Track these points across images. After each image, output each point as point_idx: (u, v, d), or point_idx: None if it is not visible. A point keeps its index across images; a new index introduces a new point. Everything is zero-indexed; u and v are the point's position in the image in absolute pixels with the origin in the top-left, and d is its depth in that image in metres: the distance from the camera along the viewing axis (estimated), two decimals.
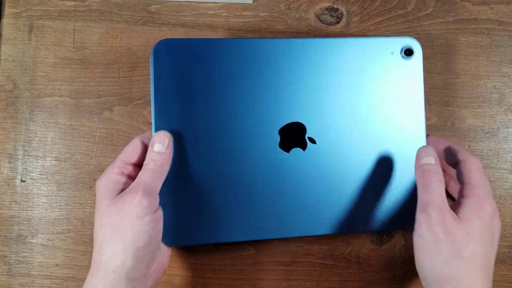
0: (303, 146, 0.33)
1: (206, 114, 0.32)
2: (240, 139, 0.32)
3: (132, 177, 0.30)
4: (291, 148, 0.33)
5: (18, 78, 0.38)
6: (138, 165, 0.31)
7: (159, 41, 0.31)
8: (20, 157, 0.38)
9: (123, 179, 0.30)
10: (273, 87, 0.33)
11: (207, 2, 0.39)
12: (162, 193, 0.30)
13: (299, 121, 0.33)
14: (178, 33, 0.38)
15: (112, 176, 0.30)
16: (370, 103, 0.34)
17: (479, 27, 0.39)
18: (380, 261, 0.38)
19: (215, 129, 0.32)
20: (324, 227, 0.33)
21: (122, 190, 0.29)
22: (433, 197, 0.28)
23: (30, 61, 0.38)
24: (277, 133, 0.33)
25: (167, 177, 0.30)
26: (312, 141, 0.33)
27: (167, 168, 0.30)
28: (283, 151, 0.33)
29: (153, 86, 0.31)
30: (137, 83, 0.38)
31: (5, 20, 0.39)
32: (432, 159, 0.29)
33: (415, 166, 0.30)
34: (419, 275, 0.29)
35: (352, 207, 0.33)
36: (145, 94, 0.38)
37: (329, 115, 0.33)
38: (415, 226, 0.28)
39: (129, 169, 0.31)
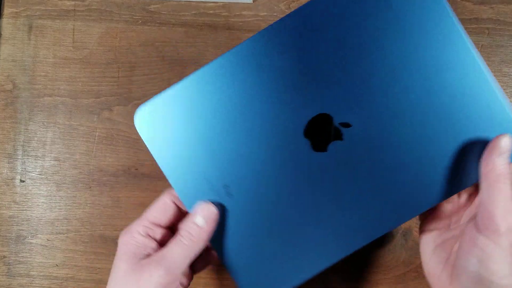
0: (339, 136, 0.28)
1: (220, 158, 0.28)
2: (269, 164, 0.28)
3: (158, 241, 0.28)
4: (327, 144, 0.28)
5: (18, 78, 0.38)
6: (167, 227, 0.29)
7: (136, 111, 0.28)
8: (19, 157, 0.38)
9: (148, 242, 0.27)
10: (276, 89, 0.28)
11: (207, 2, 0.39)
12: (227, 254, 0.28)
13: (321, 112, 0.28)
14: (178, 33, 0.38)
15: (136, 236, 0.27)
16: (389, 60, 0.28)
17: (479, 27, 0.39)
18: (381, 261, 0.37)
19: (237, 168, 0.28)
20: (406, 211, 0.28)
21: (145, 255, 0.27)
22: (503, 204, 0.26)
23: (30, 60, 0.38)
24: (303, 136, 0.28)
25: (224, 239, 0.28)
26: (346, 125, 0.28)
27: (202, 244, 0.27)
28: (319, 152, 0.28)
29: (154, 156, 0.28)
30: (137, 83, 0.38)
31: (4, 20, 0.39)
32: (507, 157, 0.26)
33: (486, 160, 0.26)
34: (465, 277, 0.27)
35: (423, 178, 0.28)
36: (144, 94, 0.38)
37: (351, 91, 0.28)
38: (489, 232, 0.26)
39: (156, 231, 0.28)
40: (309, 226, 0.29)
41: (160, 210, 0.28)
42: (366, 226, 0.29)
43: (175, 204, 0.29)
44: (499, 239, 0.25)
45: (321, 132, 0.28)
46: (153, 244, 0.28)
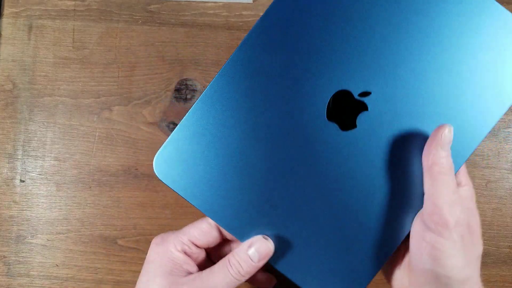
0: (363, 106, 0.27)
1: (253, 175, 0.27)
2: (303, 162, 0.27)
3: (193, 258, 0.28)
4: (355, 119, 0.27)
5: (18, 78, 0.38)
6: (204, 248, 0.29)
7: (153, 163, 0.27)
8: (19, 157, 0.38)
9: (185, 259, 0.27)
10: (282, 85, 0.27)
11: (207, 2, 0.39)
12: (288, 264, 0.27)
13: (336, 90, 0.27)
14: (178, 33, 0.38)
15: (173, 251, 0.27)
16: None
17: None
18: None
19: (273, 178, 0.27)
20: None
21: (181, 272, 0.27)
22: (449, 197, 0.24)
23: (30, 61, 0.38)
24: (328, 121, 0.27)
25: (281, 249, 0.27)
26: (366, 94, 0.27)
27: (247, 278, 0.26)
28: (350, 130, 0.27)
29: (188, 199, 0.27)
30: (137, 83, 0.38)
31: (4, 20, 0.39)
32: (448, 149, 0.25)
33: (428, 152, 0.25)
34: (422, 276, 0.26)
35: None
36: (144, 94, 0.38)
37: (358, 59, 0.27)
38: (438, 227, 0.25)
39: (193, 250, 0.28)
40: (362, 217, 0.27)
41: (203, 232, 0.28)
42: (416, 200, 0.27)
43: (219, 229, 0.28)
44: (450, 233, 0.24)
45: (344, 109, 0.27)
46: (190, 262, 0.27)
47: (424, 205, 0.26)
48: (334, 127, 0.27)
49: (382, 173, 0.27)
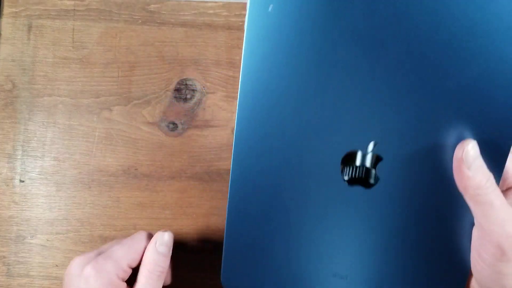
0: (376, 159, 0.25)
1: (311, 255, 0.27)
2: (343, 238, 0.27)
3: (125, 281, 0.28)
4: (376, 174, 0.26)
5: (17, 77, 0.38)
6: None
7: (222, 279, 0.28)
8: (19, 157, 0.38)
9: (124, 286, 0.27)
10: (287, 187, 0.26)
11: (207, 2, 0.38)
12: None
13: (344, 154, 0.25)
14: (178, 33, 0.38)
15: (115, 280, 0.27)
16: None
17: None
18: None
19: (332, 253, 0.27)
20: None
21: None
22: (497, 217, 0.22)
23: (29, 60, 0.38)
24: (349, 186, 0.26)
25: None
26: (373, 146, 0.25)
27: (165, 274, 0.28)
28: (372, 188, 0.26)
29: None
30: (137, 83, 0.38)
31: (4, 20, 0.39)
32: (478, 163, 0.22)
33: (457, 177, 0.23)
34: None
35: None
36: (144, 94, 0.38)
37: (356, 113, 0.25)
38: (493, 252, 0.22)
39: (128, 273, 0.28)
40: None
41: (140, 254, 0.28)
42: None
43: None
44: (507, 257, 0.22)
45: (358, 169, 0.26)
46: (125, 286, 0.28)
47: (478, 232, 0.24)
48: (358, 189, 0.26)
49: (428, 207, 0.25)
